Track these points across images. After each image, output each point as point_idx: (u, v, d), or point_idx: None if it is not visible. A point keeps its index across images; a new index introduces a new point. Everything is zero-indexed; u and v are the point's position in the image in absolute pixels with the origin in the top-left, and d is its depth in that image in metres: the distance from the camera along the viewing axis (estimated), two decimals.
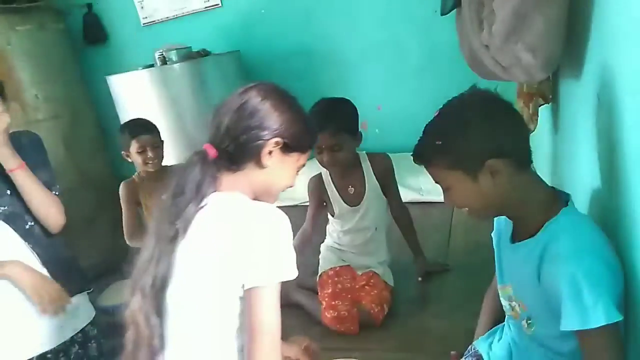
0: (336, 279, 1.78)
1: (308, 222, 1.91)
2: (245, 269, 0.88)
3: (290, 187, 1.05)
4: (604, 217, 0.99)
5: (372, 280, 1.77)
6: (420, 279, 1.88)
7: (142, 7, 3.40)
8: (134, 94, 2.80)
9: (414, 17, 2.92)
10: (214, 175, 0.96)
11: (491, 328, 1.22)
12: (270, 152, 0.97)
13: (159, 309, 0.95)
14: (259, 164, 0.97)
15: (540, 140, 1.93)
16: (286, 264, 0.89)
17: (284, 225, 0.90)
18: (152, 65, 2.84)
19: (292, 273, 0.90)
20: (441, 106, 1.00)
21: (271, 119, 0.97)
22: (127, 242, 2.05)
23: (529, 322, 1.00)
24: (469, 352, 1.22)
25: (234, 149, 0.96)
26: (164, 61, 2.79)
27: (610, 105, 0.91)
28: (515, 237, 1.02)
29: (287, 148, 0.99)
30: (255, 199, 1.00)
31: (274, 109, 0.97)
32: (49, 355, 1.48)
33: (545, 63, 1.10)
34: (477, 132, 0.91)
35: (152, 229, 0.99)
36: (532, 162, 0.97)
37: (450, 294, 1.79)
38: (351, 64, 3.16)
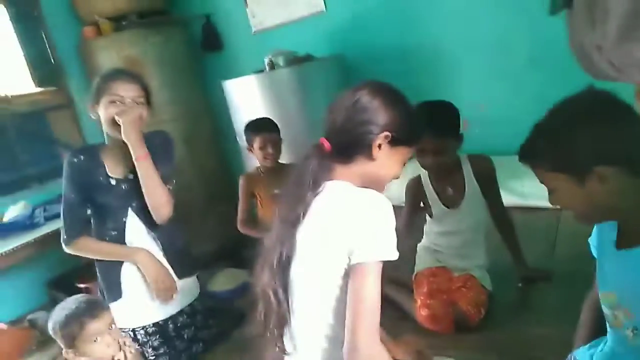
0: (432, 278, 1.80)
1: (400, 222, 1.91)
2: (352, 246, 0.96)
3: (397, 178, 1.13)
4: None
5: (469, 283, 1.76)
6: (520, 284, 1.83)
7: (253, 16, 3.67)
8: (246, 97, 3.04)
9: (522, 11, 2.80)
10: (329, 166, 1.07)
11: (590, 338, 1.17)
12: (379, 146, 1.05)
13: (285, 284, 1.08)
14: (369, 156, 1.06)
15: None
16: (388, 244, 0.97)
17: (387, 209, 0.99)
18: (262, 71, 3.06)
19: (393, 254, 0.97)
20: (553, 105, 0.97)
21: (381, 115, 1.04)
22: (239, 228, 2.30)
23: (635, 331, 0.96)
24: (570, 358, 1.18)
25: (346, 143, 1.06)
26: (272, 66, 3.00)
27: None
28: (622, 243, 0.98)
29: (395, 142, 1.06)
30: (364, 187, 1.07)
31: (384, 105, 1.05)
32: (160, 322, 1.81)
33: None
34: (586, 137, 0.88)
35: (277, 214, 1.12)
36: None
37: (550, 302, 1.73)
38: (454, 61, 3.11)
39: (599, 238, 1.06)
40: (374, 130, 1.04)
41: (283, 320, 1.08)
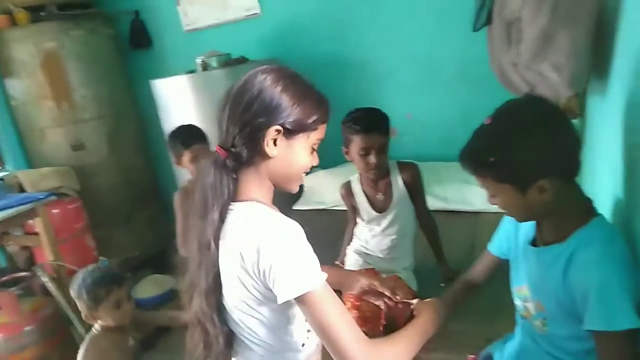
0: None
1: (348, 228, 2.05)
2: (273, 281, 0.89)
3: (314, 165, 1.03)
4: (624, 229, 1.03)
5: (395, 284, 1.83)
6: (442, 284, 1.93)
7: (185, 15, 3.57)
8: (176, 97, 2.95)
9: (450, 30, 2.97)
10: (231, 176, 0.96)
11: (454, 301, 1.25)
12: (274, 141, 0.95)
13: (219, 308, 0.99)
14: (266, 155, 0.95)
15: None
16: (309, 272, 0.88)
17: (299, 237, 0.90)
18: (193, 71, 2.99)
19: (318, 279, 0.89)
20: (494, 111, 0.97)
21: (263, 110, 0.93)
22: (179, 250, 2.08)
23: (544, 321, 1.05)
24: (482, 356, 1.27)
25: (238, 147, 0.95)
26: (205, 67, 2.94)
27: (631, 121, 0.96)
28: (539, 241, 1.07)
29: (289, 132, 0.95)
30: (279, 186, 1.01)
31: (263, 98, 0.93)
32: None
33: (571, 81, 1.15)
34: (534, 153, 0.89)
35: (192, 235, 1.01)
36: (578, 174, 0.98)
37: (470, 301, 1.83)
38: (384, 73, 3.23)
39: (515, 237, 1.16)
40: (260, 127, 0.93)
41: (225, 347, 1.01)
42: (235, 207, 0.96)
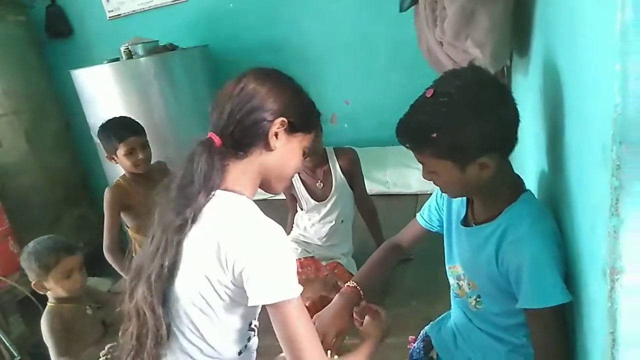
0: (300, 270, 1.82)
1: (289, 215, 2.03)
2: (248, 282, 0.88)
3: (298, 170, 1.04)
4: (550, 203, 1.05)
5: (335, 270, 1.82)
6: None
7: (107, 1, 3.35)
8: (99, 88, 2.77)
9: (382, 14, 2.97)
10: (222, 163, 0.95)
11: (369, 272, 1.25)
12: (276, 134, 0.95)
13: (164, 299, 0.95)
14: (267, 146, 0.95)
15: None
16: (286, 283, 0.88)
17: (283, 244, 0.90)
18: (117, 59, 2.81)
19: (296, 289, 0.89)
20: (435, 82, 0.92)
21: (272, 100, 0.95)
22: (106, 256, 1.95)
23: (477, 299, 1.06)
24: (421, 336, 1.28)
25: (239, 134, 0.94)
26: (130, 55, 2.77)
27: (550, 97, 0.97)
28: (470, 220, 1.06)
29: (292, 128, 0.97)
30: (266, 184, 1.01)
31: (274, 90, 0.95)
32: None
33: (493, 58, 1.15)
34: (477, 129, 0.85)
35: (157, 220, 0.98)
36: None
37: (410, 282, 1.86)
38: (320, 59, 3.19)
39: (447, 215, 1.15)
40: (268, 117, 0.94)
41: (162, 340, 0.95)
42: (218, 194, 0.93)
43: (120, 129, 1.90)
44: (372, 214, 1.99)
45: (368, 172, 2.73)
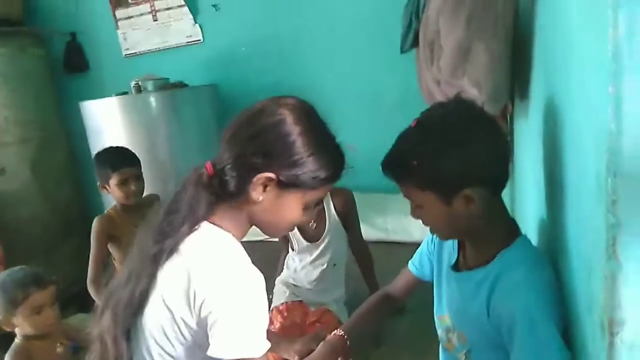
0: (286, 314, 1.72)
1: (281, 256, 1.96)
2: (210, 329, 0.81)
3: (307, 222, 0.94)
4: (549, 250, 0.97)
5: (324, 317, 1.72)
6: None
7: (125, 39, 3.46)
8: (106, 120, 2.80)
9: (389, 58, 3.00)
10: (209, 197, 0.87)
11: (360, 325, 1.17)
12: (264, 187, 0.85)
13: (128, 330, 0.89)
14: (250, 198, 0.86)
15: None
16: (254, 337, 0.81)
17: (257, 291, 0.82)
18: (126, 93, 2.85)
19: (261, 347, 0.81)
20: (421, 114, 0.90)
21: (272, 144, 0.84)
22: (89, 288, 1.87)
23: (467, 355, 0.96)
24: None
25: (228, 176, 0.86)
26: (139, 90, 2.81)
27: (548, 136, 0.92)
28: (462, 265, 0.99)
29: (284, 185, 0.86)
30: (261, 229, 0.93)
31: (281, 130, 0.84)
32: None
33: (491, 98, 1.12)
34: (459, 158, 0.82)
35: (136, 246, 0.93)
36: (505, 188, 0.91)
37: (403, 333, 1.76)
38: (327, 102, 3.15)
39: (437, 260, 1.07)
40: (255, 166, 0.84)
41: None
42: (204, 226, 0.88)
43: (116, 159, 1.88)
44: (366, 258, 1.90)
45: (369, 218, 2.69)
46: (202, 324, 0.83)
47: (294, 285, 1.86)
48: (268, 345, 0.82)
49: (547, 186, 1.00)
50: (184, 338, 0.85)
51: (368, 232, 2.56)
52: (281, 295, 1.83)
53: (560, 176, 0.83)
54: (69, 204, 3.40)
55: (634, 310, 0.57)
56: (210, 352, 0.80)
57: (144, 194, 2.01)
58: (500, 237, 0.90)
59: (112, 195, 1.91)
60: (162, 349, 0.86)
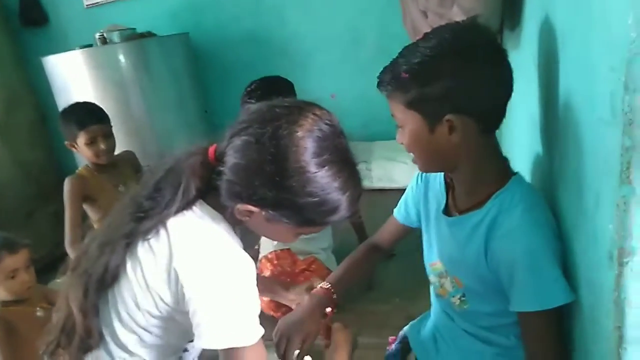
0: (276, 262, 1.70)
1: None
2: (193, 317, 0.76)
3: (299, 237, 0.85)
4: (545, 187, 0.94)
5: (313, 266, 1.70)
6: None
7: None
8: (71, 76, 2.63)
9: (369, 6, 2.88)
10: (203, 185, 0.81)
11: (347, 277, 1.14)
12: (249, 212, 0.78)
13: (97, 305, 0.84)
14: (236, 216, 0.80)
15: None
16: (244, 325, 0.76)
17: (246, 280, 0.77)
18: (91, 46, 2.68)
19: (253, 335, 0.76)
20: (432, 29, 0.84)
21: (273, 174, 0.73)
22: (67, 250, 1.81)
23: (462, 299, 0.94)
24: (399, 338, 1.17)
25: (220, 181, 0.78)
26: (105, 42, 2.64)
27: (546, 60, 0.86)
28: (452, 209, 0.95)
29: (272, 219, 0.78)
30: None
31: (290, 159, 0.73)
32: None
33: None
34: (448, 81, 0.77)
35: (113, 216, 0.87)
36: (499, 127, 0.86)
37: (393, 277, 1.76)
38: (305, 52, 3.09)
39: (424, 205, 1.03)
40: (241, 194, 0.76)
41: (89, 348, 0.85)
42: (197, 205, 0.81)
43: (82, 116, 1.77)
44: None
45: None
46: (181, 305, 0.79)
47: None
48: (261, 331, 0.78)
49: (544, 118, 0.95)
50: (159, 311, 0.82)
51: None
52: (268, 243, 1.80)
53: (562, 104, 0.78)
54: (42, 168, 3.27)
55: None
56: (198, 344, 0.76)
57: (118, 151, 1.92)
58: (492, 177, 0.86)
59: (81, 154, 1.82)
60: (134, 321, 0.83)
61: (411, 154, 0.89)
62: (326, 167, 0.74)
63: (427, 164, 0.91)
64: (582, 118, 0.67)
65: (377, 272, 1.83)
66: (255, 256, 1.77)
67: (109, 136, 1.80)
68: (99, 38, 2.64)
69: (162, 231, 0.80)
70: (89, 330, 0.84)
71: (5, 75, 3.07)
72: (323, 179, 0.74)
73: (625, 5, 0.47)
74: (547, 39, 0.85)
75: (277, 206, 0.76)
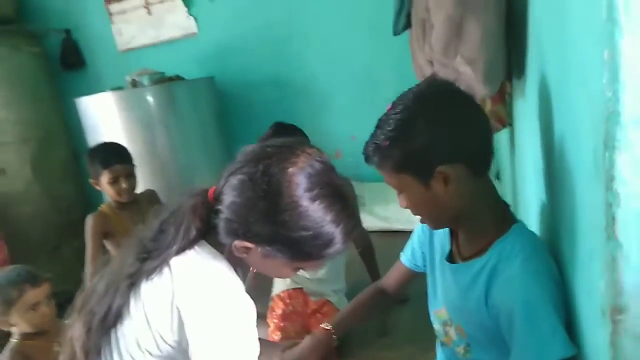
0: (288, 301, 1.70)
1: None
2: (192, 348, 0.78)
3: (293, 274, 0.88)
4: (548, 239, 0.92)
5: (324, 308, 1.69)
6: None
7: (120, 34, 3.42)
8: (102, 116, 2.76)
9: (387, 48, 2.95)
10: (203, 225, 0.82)
11: (350, 319, 1.13)
12: (246, 249, 0.80)
13: (100, 346, 0.85)
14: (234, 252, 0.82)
15: (504, 164, 1.90)
16: (238, 351, 0.78)
17: (242, 325, 0.78)
18: (122, 88, 2.82)
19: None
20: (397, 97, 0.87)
21: (267, 211, 0.76)
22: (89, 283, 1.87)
23: (467, 348, 0.92)
24: None
25: (218, 220, 0.80)
26: (135, 85, 2.78)
27: (546, 118, 0.87)
28: (456, 256, 0.94)
29: (268, 253, 0.80)
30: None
31: (283, 195, 0.75)
32: None
33: (486, 76, 1.06)
34: (427, 134, 0.79)
35: (120, 256, 0.89)
36: (490, 168, 0.87)
37: (407, 324, 1.71)
38: (326, 94, 3.17)
39: (430, 251, 1.03)
40: (238, 232, 0.78)
41: None
42: (200, 245, 0.83)
43: (107, 155, 1.85)
44: (366, 246, 1.86)
45: (371, 208, 2.65)
46: (183, 345, 0.80)
47: None
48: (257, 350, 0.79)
49: (546, 168, 0.95)
50: (160, 351, 0.82)
51: (370, 221, 2.53)
52: (281, 282, 1.80)
53: (558, 155, 0.78)
54: (71, 203, 3.39)
55: (637, 295, 0.52)
56: None
57: (141, 190, 1.99)
58: (493, 223, 0.86)
59: (105, 192, 1.88)
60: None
61: (418, 216, 0.90)
62: (318, 201, 0.76)
63: (436, 222, 0.92)
64: (573, 170, 0.67)
65: (390, 317, 1.80)
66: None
67: (131, 175, 1.87)
68: (130, 81, 2.78)
69: (165, 269, 0.82)
70: None
71: (43, 115, 3.25)
72: (315, 213, 0.75)
73: (600, 65, 0.48)
74: (543, 89, 0.86)
75: (272, 241, 0.78)
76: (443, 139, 0.79)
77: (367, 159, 0.88)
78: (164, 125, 2.78)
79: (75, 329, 0.87)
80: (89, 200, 3.56)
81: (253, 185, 0.77)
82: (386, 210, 2.61)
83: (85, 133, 2.90)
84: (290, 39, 3.13)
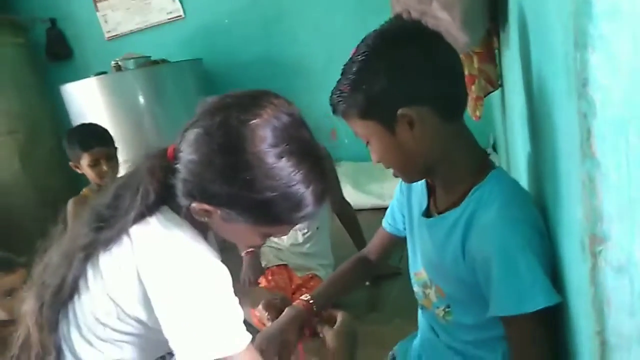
0: (270, 277, 1.65)
1: None
2: (169, 339, 0.71)
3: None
4: (537, 185, 0.86)
5: (311, 283, 1.64)
6: (367, 282, 1.73)
7: (105, 22, 3.36)
8: (87, 102, 2.72)
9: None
10: (162, 188, 0.74)
11: (330, 290, 1.07)
12: (205, 212, 0.72)
13: (55, 322, 0.79)
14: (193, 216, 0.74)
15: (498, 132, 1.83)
16: (225, 336, 0.70)
17: (221, 287, 0.71)
18: (105, 73, 2.77)
19: (237, 345, 0.70)
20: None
21: (228, 168, 0.68)
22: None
23: (446, 310, 0.86)
24: (390, 357, 1.08)
25: (176, 181, 0.72)
26: (119, 69, 2.73)
27: (527, 59, 0.80)
28: (433, 211, 0.88)
29: (228, 217, 0.72)
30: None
31: (247, 152, 0.67)
32: None
33: (464, 22, 0.99)
34: (388, 75, 0.73)
35: (74, 226, 0.84)
36: (464, 111, 0.81)
37: (396, 298, 1.67)
38: (317, 72, 3.10)
39: (408, 210, 0.96)
40: (194, 193, 0.71)
41: None
42: (162, 211, 0.76)
43: (86, 138, 1.79)
44: (350, 219, 1.82)
45: (366, 186, 2.62)
46: (151, 320, 0.74)
47: (277, 248, 1.78)
48: (249, 338, 0.72)
49: (528, 113, 0.88)
50: (124, 325, 0.77)
51: (365, 199, 2.51)
52: (265, 259, 1.75)
53: (537, 92, 0.71)
54: (59, 191, 3.34)
55: (618, 219, 0.45)
56: (180, 358, 0.70)
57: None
58: (470, 171, 0.79)
59: (85, 175, 1.83)
60: (95, 334, 0.78)
61: (390, 169, 0.84)
62: (285, 158, 0.67)
63: (407, 172, 0.84)
64: (552, 99, 0.60)
65: (382, 292, 1.75)
66: None
67: (112, 158, 1.81)
68: (114, 66, 2.73)
69: (125, 239, 0.75)
70: (45, 345, 0.78)
71: (30, 106, 3.20)
72: (282, 171, 0.67)
73: None
74: (522, 29, 0.79)
75: (233, 204, 0.70)
76: (404, 80, 0.73)
77: (334, 109, 0.81)
78: (150, 108, 2.74)
79: (28, 303, 0.81)
80: (78, 189, 3.52)
81: (209, 140, 0.69)
82: (381, 187, 2.59)
83: (71, 121, 2.85)
84: (280, 17, 3.07)
